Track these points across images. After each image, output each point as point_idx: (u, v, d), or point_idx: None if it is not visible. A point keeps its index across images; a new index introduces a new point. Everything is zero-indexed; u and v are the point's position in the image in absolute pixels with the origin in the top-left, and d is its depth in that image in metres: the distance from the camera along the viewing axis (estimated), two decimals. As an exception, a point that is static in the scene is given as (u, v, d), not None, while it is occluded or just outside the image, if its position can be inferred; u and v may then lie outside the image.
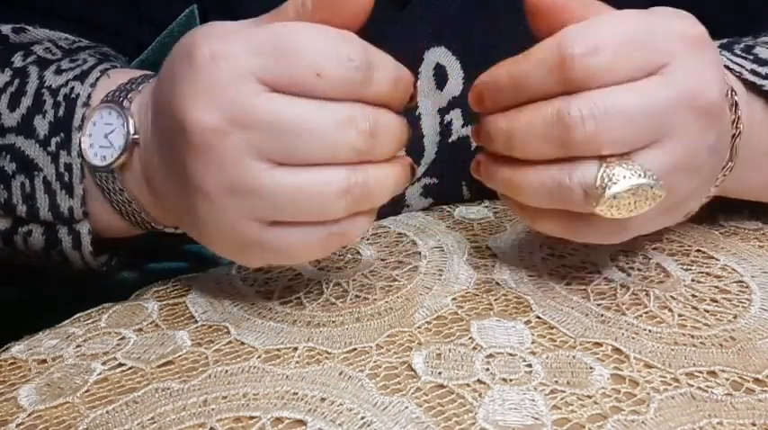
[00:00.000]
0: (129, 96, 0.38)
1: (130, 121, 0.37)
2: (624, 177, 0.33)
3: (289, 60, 0.32)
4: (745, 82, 0.41)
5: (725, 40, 0.45)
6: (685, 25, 0.35)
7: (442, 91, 0.50)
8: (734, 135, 0.39)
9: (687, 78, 0.34)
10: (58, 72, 0.40)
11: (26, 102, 0.39)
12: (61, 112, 0.39)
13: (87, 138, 0.38)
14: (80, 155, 0.38)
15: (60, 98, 0.39)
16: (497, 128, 0.36)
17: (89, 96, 0.39)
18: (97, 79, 0.40)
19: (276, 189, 0.33)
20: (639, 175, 0.33)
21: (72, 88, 0.39)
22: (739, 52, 0.43)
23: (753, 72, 0.42)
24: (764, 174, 0.44)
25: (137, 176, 0.38)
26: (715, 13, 0.45)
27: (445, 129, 0.51)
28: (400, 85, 0.35)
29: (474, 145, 0.51)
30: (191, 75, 0.33)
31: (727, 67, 0.42)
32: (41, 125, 0.39)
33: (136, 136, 0.37)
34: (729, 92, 0.38)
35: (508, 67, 0.35)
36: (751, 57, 0.43)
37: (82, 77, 0.40)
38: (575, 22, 0.34)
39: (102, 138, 0.38)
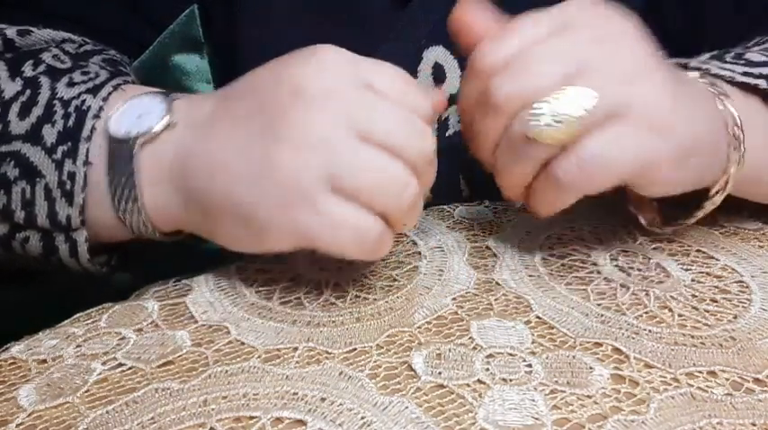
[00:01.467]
0: (169, 95, 0.39)
1: (173, 104, 0.38)
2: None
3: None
4: (740, 85, 0.42)
5: (715, 52, 0.45)
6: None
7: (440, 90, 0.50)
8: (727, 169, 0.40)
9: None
10: (71, 85, 0.40)
11: (37, 111, 0.39)
12: (71, 123, 0.39)
13: (117, 115, 0.38)
14: (85, 164, 0.38)
15: (71, 109, 0.39)
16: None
17: (100, 109, 0.39)
18: (109, 94, 0.40)
19: (355, 156, 0.35)
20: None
21: (84, 101, 0.39)
22: (730, 59, 0.44)
23: (745, 74, 0.42)
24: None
25: (160, 164, 0.38)
26: (716, 16, 0.45)
27: (443, 126, 0.51)
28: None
29: None
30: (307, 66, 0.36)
31: (718, 76, 0.42)
32: (49, 134, 0.39)
33: (174, 119, 0.38)
34: (732, 126, 0.39)
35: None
36: (742, 62, 0.43)
37: (94, 91, 0.40)
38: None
39: (134, 118, 0.38)
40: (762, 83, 0.42)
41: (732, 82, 0.42)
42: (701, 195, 0.42)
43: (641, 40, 0.38)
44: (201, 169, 0.37)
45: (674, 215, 0.45)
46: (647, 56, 0.38)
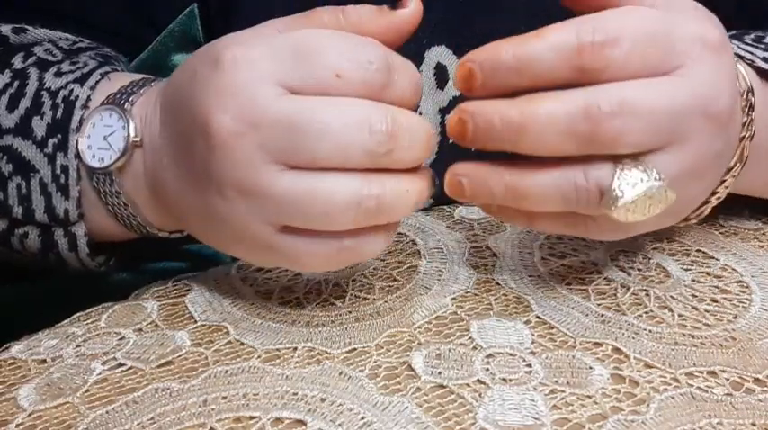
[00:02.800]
0: (130, 99, 0.38)
1: (131, 124, 0.37)
2: (641, 180, 0.32)
3: (308, 62, 0.32)
4: (758, 70, 0.41)
5: (734, 32, 0.45)
6: (705, 28, 0.34)
7: (442, 90, 0.50)
8: (743, 137, 0.38)
9: (703, 83, 0.33)
10: (58, 74, 0.40)
11: (25, 103, 0.39)
12: (59, 114, 0.38)
13: (85, 140, 0.38)
14: (77, 157, 0.38)
15: (59, 100, 0.39)
16: (506, 118, 0.32)
17: (88, 98, 0.39)
18: (97, 82, 0.40)
19: (284, 193, 0.32)
20: (654, 178, 0.32)
21: (71, 90, 0.39)
22: (750, 41, 0.43)
23: (765, 59, 0.41)
24: None
25: (136, 178, 0.38)
26: (728, 11, 0.45)
27: (446, 128, 0.51)
28: (417, 91, 0.34)
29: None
30: (214, 77, 0.33)
31: (738, 55, 0.41)
32: (39, 127, 0.39)
33: (136, 138, 0.37)
34: (746, 92, 0.38)
35: (514, 46, 0.32)
36: (762, 45, 0.42)
37: (82, 80, 0.40)
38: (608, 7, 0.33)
39: (101, 140, 0.38)
40: None
41: (752, 65, 0.41)
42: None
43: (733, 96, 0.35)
44: (165, 196, 0.38)
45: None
46: (735, 103, 0.35)
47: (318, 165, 0.32)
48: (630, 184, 0.32)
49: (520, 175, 0.33)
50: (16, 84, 0.40)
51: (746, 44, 0.42)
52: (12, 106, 0.39)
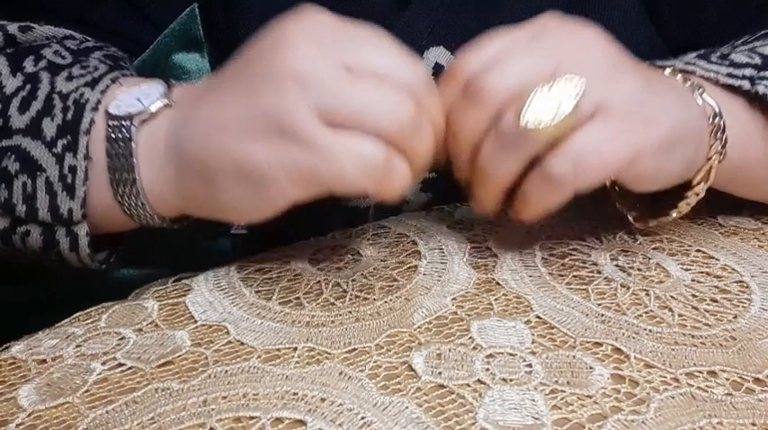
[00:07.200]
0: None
1: (172, 89, 0.39)
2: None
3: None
4: (724, 86, 0.42)
5: (701, 51, 0.46)
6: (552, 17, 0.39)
7: None
8: (710, 158, 0.41)
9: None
10: (69, 79, 0.40)
11: (36, 105, 0.40)
12: (70, 116, 0.39)
13: (115, 102, 0.39)
14: (86, 158, 0.38)
15: (70, 103, 0.39)
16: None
17: (98, 102, 0.39)
18: (107, 87, 0.40)
19: (342, 83, 0.35)
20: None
21: (82, 94, 0.40)
22: (715, 59, 0.44)
23: (729, 75, 0.43)
24: (752, 174, 0.45)
25: (154, 137, 0.38)
26: (715, 14, 0.45)
27: None
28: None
29: None
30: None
31: (703, 77, 0.43)
32: (49, 127, 0.39)
33: (171, 101, 0.39)
34: (712, 117, 0.40)
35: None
36: (727, 62, 0.44)
37: (92, 84, 0.40)
38: None
39: (133, 100, 0.39)
40: (745, 84, 0.42)
41: (716, 83, 0.43)
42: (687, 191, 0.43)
43: (612, 45, 0.39)
44: (196, 132, 0.37)
45: (661, 211, 0.45)
46: (620, 56, 0.39)
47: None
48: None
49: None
50: (28, 87, 0.40)
51: (711, 63, 0.44)
52: (23, 108, 0.40)
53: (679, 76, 0.42)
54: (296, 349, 0.35)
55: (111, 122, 0.38)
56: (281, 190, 0.36)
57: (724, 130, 0.41)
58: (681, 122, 0.39)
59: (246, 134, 0.35)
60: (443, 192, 0.53)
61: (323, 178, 0.35)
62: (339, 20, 0.37)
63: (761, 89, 0.42)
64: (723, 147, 0.41)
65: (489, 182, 0.39)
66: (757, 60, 0.44)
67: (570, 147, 0.36)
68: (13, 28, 0.44)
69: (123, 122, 0.38)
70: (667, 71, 0.43)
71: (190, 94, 0.40)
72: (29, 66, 0.41)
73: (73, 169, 0.38)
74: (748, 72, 0.43)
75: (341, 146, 0.34)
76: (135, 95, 0.39)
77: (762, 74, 0.43)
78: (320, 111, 0.34)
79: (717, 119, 0.41)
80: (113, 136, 0.38)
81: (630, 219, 0.46)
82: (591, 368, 0.34)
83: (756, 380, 0.33)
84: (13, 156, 0.39)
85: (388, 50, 0.37)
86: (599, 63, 0.38)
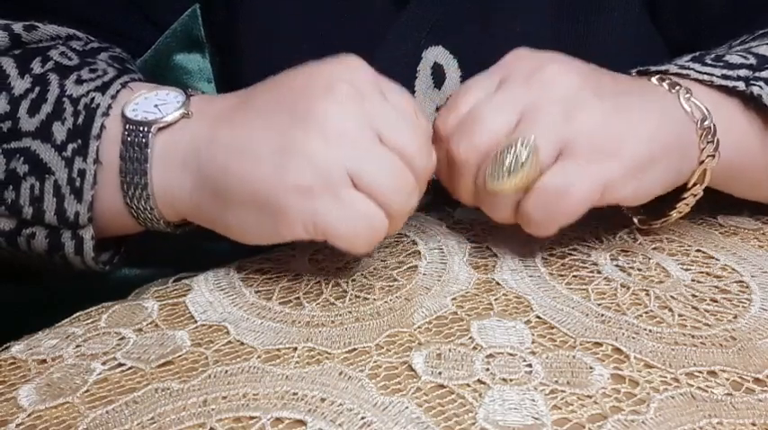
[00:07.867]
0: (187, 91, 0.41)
1: (190, 98, 0.40)
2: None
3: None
4: (719, 88, 0.43)
5: (696, 53, 0.46)
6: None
7: (439, 90, 0.50)
8: (702, 161, 0.41)
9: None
10: (79, 82, 0.41)
11: (46, 108, 0.40)
12: (80, 120, 0.39)
13: (132, 106, 0.39)
14: (96, 162, 0.39)
15: (81, 107, 0.39)
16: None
17: (109, 107, 0.39)
18: (118, 92, 0.40)
19: (378, 156, 0.37)
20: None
21: (93, 98, 0.40)
22: (710, 62, 0.44)
23: (723, 77, 0.43)
24: (750, 174, 0.45)
25: (173, 148, 0.39)
26: (715, 13, 0.45)
27: None
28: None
29: None
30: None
31: (698, 80, 0.43)
32: (59, 131, 0.39)
33: (190, 111, 0.39)
34: (700, 121, 0.41)
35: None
36: (721, 64, 0.44)
37: (103, 89, 0.40)
38: None
39: (150, 106, 0.40)
40: (740, 85, 0.43)
41: (711, 85, 0.43)
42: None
43: (577, 74, 0.40)
44: (220, 153, 0.38)
45: (663, 212, 0.45)
46: (581, 88, 0.40)
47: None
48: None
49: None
50: (37, 89, 0.40)
51: (706, 65, 0.44)
52: (33, 111, 0.40)
53: (665, 83, 0.42)
54: (296, 349, 0.35)
55: (128, 126, 0.39)
56: (291, 229, 0.38)
57: (715, 133, 0.41)
58: (657, 137, 0.40)
59: (274, 170, 0.36)
60: (443, 193, 0.54)
61: (335, 232, 0.37)
62: (378, 77, 0.39)
63: (755, 90, 0.42)
64: (716, 149, 0.41)
65: (495, 219, 0.43)
66: (752, 60, 0.44)
67: (538, 192, 0.39)
68: (18, 27, 0.44)
69: (141, 128, 0.39)
70: (654, 78, 0.43)
71: (212, 108, 0.40)
72: (36, 67, 0.41)
73: (82, 173, 0.39)
74: (743, 73, 0.43)
75: (362, 211, 0.37)
76: (153, 101, 0.40)
77: (757, 74, 0.43)
78: (353, 172, 0.36)
79: (706, 122, 0.41)
80: (129, 139, 0.39)
81: (636, 222, 0.47)
82: (591, 368, 0.34)
83: (756, 380, 0.33)
84: (22, 159, 0.39)
85: (415, 130, 0.39)
86: (561, 102, 0.39)
